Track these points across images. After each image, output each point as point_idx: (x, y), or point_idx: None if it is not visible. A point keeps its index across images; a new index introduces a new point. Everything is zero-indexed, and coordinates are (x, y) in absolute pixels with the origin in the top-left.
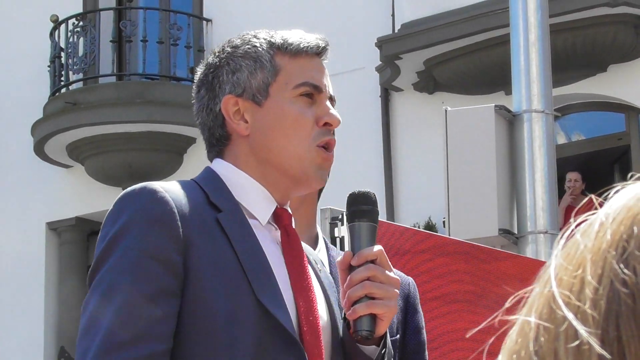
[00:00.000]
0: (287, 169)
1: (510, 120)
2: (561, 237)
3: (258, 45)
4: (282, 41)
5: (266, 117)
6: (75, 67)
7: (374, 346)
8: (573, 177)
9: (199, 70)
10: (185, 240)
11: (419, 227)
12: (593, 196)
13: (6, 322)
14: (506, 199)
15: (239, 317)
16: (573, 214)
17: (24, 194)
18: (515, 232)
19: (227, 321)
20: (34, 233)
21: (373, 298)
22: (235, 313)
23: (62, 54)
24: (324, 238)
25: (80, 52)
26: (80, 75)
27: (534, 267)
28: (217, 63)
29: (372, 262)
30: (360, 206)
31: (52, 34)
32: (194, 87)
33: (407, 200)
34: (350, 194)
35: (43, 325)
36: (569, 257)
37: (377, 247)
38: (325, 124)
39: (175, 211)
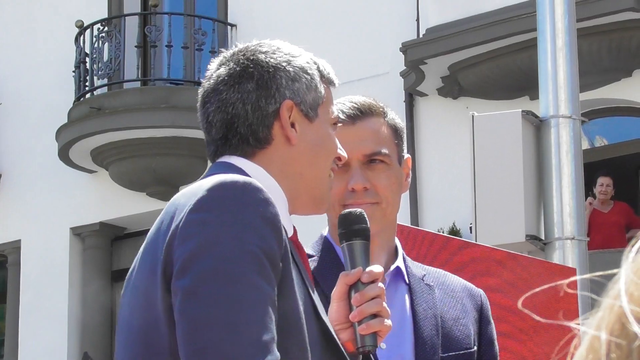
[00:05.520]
0: (314, 188)
1: (537, 126)
2: (630, 251)
3: (311, 63)
4: (322, 69)
5: (314, 134)
6: (100, 72)
7: None
8: (605, 182)
9: (230, 64)
10: (285, 247)
11: (443, 233)
12: None
13: (30, 327)
14: (533, 204)
15: (311, 340)
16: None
17: (49, 199)
18: (543, 238)
19: (309, 342)
20: (58, 238)
21: (376, 316)
22: (309, 333)
23: (87, 59)
24: (400, 249)
25: (105, 57)
26: (105, 81)
27: (562, 274)
28: (275, 64)
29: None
30: (354, 225)
31: (77, 39)
32: (221, 74)
33: (431, 205)
34: (341, 215)
35: (67, 330)
36: None
37: (379, 267)
38: (339, 157)
39: (280, 214)
